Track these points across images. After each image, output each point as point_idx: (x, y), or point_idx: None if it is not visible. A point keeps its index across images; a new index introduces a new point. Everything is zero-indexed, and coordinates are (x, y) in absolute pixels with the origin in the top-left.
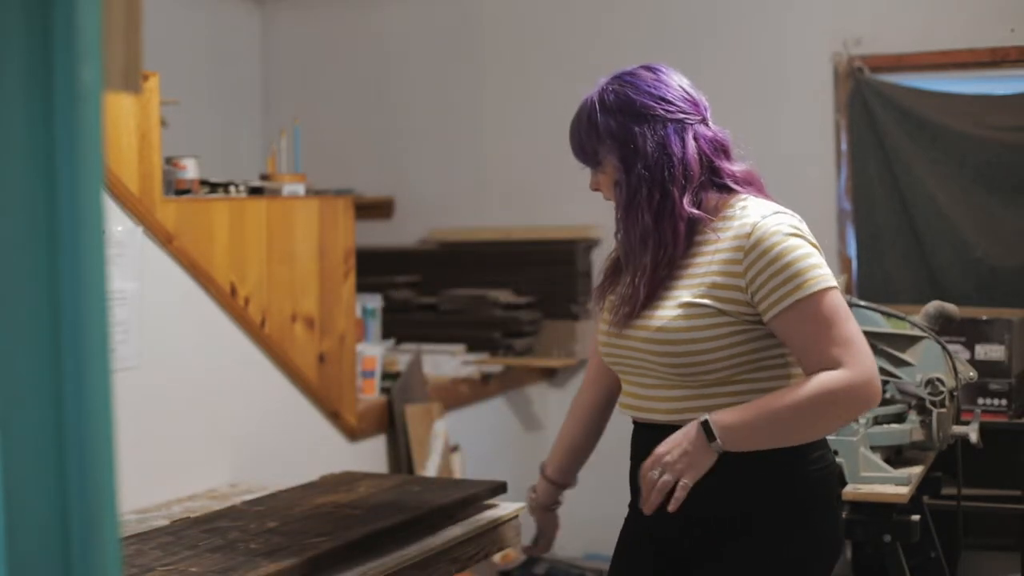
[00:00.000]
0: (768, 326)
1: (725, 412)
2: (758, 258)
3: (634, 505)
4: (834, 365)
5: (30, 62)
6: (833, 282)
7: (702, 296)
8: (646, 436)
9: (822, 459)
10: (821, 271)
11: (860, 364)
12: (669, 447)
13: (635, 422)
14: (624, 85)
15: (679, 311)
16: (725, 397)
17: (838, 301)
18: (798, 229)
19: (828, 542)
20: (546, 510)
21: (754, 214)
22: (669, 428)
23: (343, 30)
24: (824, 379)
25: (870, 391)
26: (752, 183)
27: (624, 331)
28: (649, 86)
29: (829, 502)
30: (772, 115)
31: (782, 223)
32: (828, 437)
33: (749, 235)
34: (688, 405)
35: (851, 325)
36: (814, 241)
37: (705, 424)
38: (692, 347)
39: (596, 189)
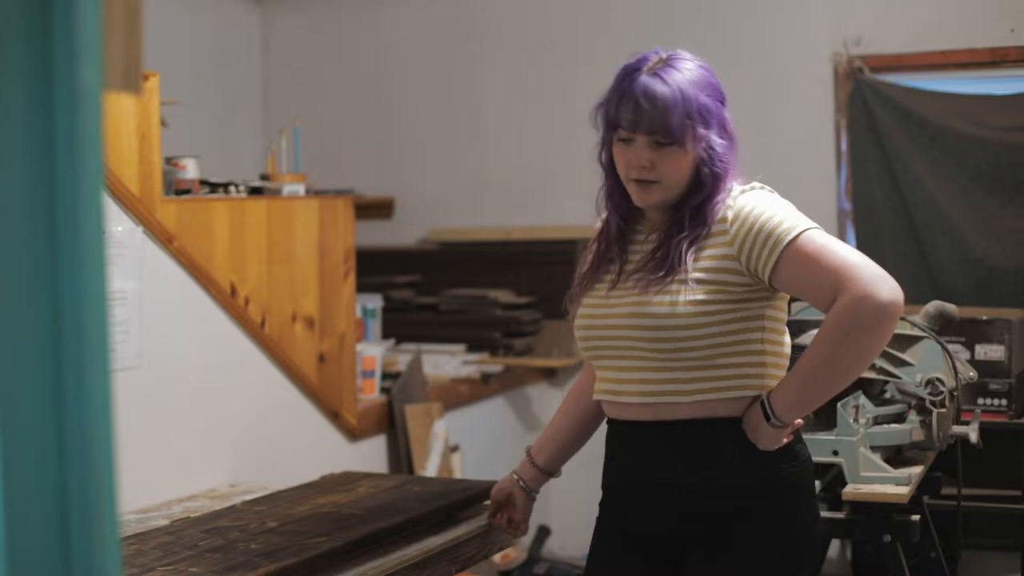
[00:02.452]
0: (774, 287)
1: (775, 392)
2: (741, 226)
3: (607, 504)
4: (836, 296)
5: (30, 62)
6: (808, 223)
7: (688, 273)
8: (622, 435)
9: (801, 453)
10: (794, 218)
11: (855, 283)
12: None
13: (610, 421)
14: (700, 65)
15: (667, 289)
16: (704, 381)
17: (818, 238)
18: (767, 189)
19: (814, 530)
20: (529, 496)
21: (733, 192)
22: (645, 426)
23: (343, 30)
24: (830, 316)
25: (873, 303)
26: None
27: (607, 309)
28: (711, 71)
29: (812, 494)
30: (772, 115)
31: (755, 191)
32: (828, 436)
33: (729, 208)
34: (665, 388)
35: (838, 252)
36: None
37: (762, 403)
38: (676, 321)
39: (647, 166)
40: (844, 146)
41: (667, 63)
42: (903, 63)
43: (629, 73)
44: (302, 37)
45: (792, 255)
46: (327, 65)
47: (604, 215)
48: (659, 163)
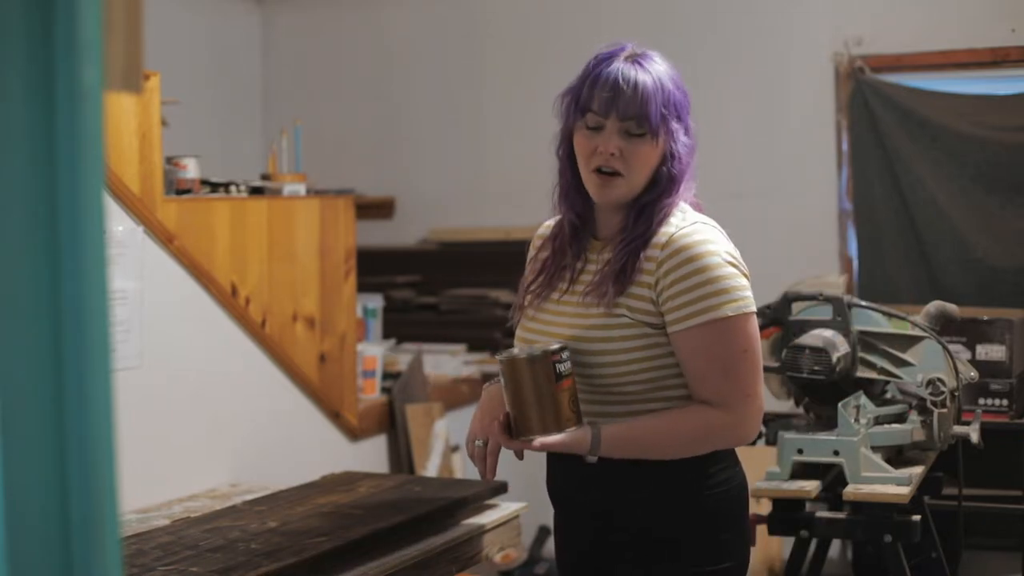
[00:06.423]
0: (671, 338)
1: (611, 425)
2: (677, 266)
3: (556, 518)
4: (720, 403)
5: (31, 62)
6: (755, 308)
7: (622, 307)
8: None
9: (731, 479)
10: (746, 293)
11: (743, 410)
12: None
13: None
14: (671, 65)
15: (594, 318)
16: (635, 414)
17: (756, 330)
18: (723, 246)
19: (745, 562)
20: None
21: (676, 221)
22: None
23: (343, 30)
24: (706, 419)
25: (741, 435)
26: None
27: (547, 336)
28: (681, 81)
29: (744, 524)
30: (773, 115)
31: (707, 234)
32: (829, 436)
33: (666, 244)
34: (595, 420)
35: (757, 360)
36: (741, 264)
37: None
38: (608, 369)
39: (615, 154)
40: (845, 146)
41: (641, 55)
42: (904, 63)
43: (603, 60)
44: (302, 37)
45: (724, 329)
46: (327, 65)
47: (552, 220)
48: (628, 153)
